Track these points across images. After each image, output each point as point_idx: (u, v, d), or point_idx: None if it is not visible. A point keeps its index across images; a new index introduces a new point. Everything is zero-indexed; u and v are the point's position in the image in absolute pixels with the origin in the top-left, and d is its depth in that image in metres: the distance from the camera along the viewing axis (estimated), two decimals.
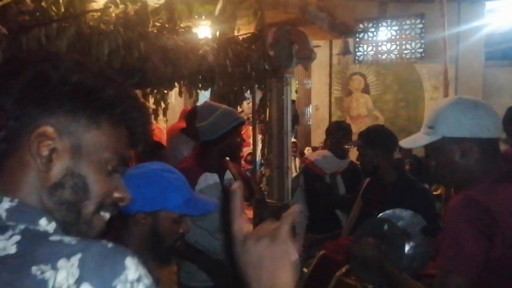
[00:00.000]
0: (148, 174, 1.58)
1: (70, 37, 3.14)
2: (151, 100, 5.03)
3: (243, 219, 0.84)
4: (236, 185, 0.87)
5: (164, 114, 5.14)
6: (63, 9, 3.42)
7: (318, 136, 9.40)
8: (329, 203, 4.12)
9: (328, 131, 4.62)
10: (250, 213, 3.03)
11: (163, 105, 4.83)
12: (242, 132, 3.03)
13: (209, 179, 2.76)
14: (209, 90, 4.22)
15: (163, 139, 5.84)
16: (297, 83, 10.89)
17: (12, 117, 0.75)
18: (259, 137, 5.91)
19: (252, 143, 5.62)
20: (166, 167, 1.67)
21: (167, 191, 1.57)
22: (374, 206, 3.02)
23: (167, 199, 1.57)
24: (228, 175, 2.91)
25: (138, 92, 6.14)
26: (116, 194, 0.83)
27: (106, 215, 0.82)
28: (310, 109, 11.33)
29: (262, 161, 6.22)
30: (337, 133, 4.23)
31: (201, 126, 2.85)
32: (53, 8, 3.54)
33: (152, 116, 6.95)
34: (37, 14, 2.96)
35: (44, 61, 0.79)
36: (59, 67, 0.78)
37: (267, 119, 5.17)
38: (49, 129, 0.76)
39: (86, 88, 0.79)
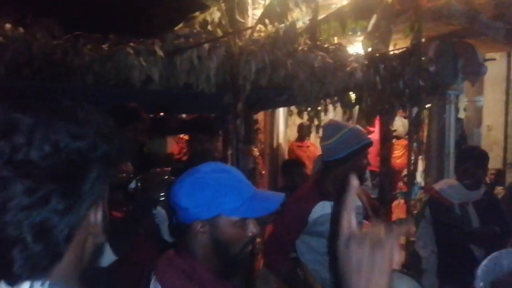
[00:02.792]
0: (198, 179, 1.39)
1: (220, 57, 3.33)
2: (305, 116, 5.07)
3: (352, 216, 0.82)
4: (353, 179, 0.83)
5: (317, 131, 5.09)
6: (214, 30, 3.67)
7: (490, 161, 8.35)
8: (461, 237, 3.52)
9: (458, 158, 3.99)
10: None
11: (316, 122, 4.81)
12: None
13: (326, 207, 2.60)
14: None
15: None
16: (466, 100, 9.85)
17: None
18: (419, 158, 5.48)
19: (407, 163, 5.23)
20: (220, 167, 1.46)
21: (221, 194, 1.36)
22: None
23: (222, 202, 1.36)
24: (355, 202, 2.69)
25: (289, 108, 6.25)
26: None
27: None
28: (481, 130, 10.15)
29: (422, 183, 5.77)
30: (468, 162, 3.53)
31: (325, 144, 2.68)
32: (208, 29, 3.84)
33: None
34: (190, 38, 3.20)
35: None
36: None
37: (425, 139, 4.75)
38: None
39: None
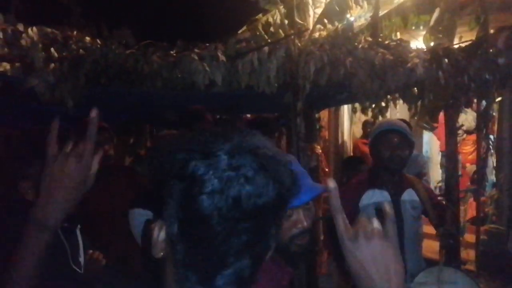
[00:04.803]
0: None
1: (279, 58, 3.44)
2: (369, 113, 5.06)
3: (342, 216, 0.88)
4: (330, 182, 0.88)
5: None
6: (276, 32, 3.79)
7: None
8: None
9: None
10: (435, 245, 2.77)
11: (380, 118, 4.80)
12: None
13: (375, 196, 2.62)
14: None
15: None
16: None
17: None
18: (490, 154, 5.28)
19: (477, 160, 5.06)
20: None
21: None
22: None
23: None
24: (410, 196, 2.70)
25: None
26: None
27: None
28: None
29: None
30: None
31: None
32: (270, 30, 3.97)
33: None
34: (251, 41, 3.35)
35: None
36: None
37: (495, 134, 4.58)
38: None
39: None
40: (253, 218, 0.69)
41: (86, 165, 0.99)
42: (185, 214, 0.71)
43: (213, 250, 0.70)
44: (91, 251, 2.04)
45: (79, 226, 1.97)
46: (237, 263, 0.71)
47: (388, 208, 0.89)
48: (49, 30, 3.28)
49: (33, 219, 0.98)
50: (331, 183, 0.86)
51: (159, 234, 0.76)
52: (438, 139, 7.85)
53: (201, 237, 0.70)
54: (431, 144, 8.18)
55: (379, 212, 0.89)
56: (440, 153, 7.84)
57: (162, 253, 0.77)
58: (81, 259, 1.94)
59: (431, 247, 3.57)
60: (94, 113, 1.00)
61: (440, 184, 6.48)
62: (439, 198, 3.42)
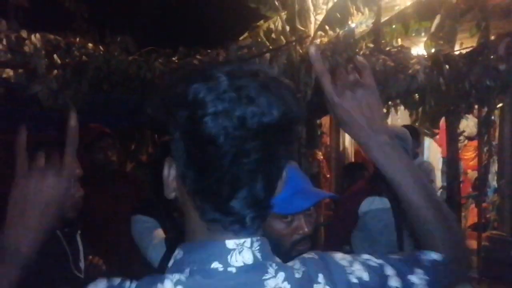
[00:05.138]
0: None
1: (281, 65, 3.46)
2: None
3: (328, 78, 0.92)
4: (313, 48, 0.92)
5: None
6: (278, 38, 3.82)
7: None
8: None
9: None
10: None
11: None
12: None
13: (375, 203, 2.63)
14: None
15: None
16: None
17: None
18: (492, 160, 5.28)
19: (478, 166, 5.05)
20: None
21: None
22: None
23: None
24: None
25: None
26: None
27: None
28: None
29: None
30: None
31: None
32: (272, 37, 4.00)
33: None
34: (253, 48, 3.37)
35: None
36: None
37: (496, 140, 4.59)
38: None
39: None
40: (259, 136, 0.69)
41: (66, 181, 0.90)
42: (192, 140, 0.70)
43: (224, 172, 0.69)
44: (90, 256, 2.05)
45: (79, 231, 1.98)
46: (250, 184, 0.71)
47: (361, 59, 0.97)
48: (52, 36, 3.31)
49: (4, 244, 0.86)
50: (312, 48, 0.90)
51: (170, 172, 0.76)
52: (439, 145, 7.85)
53: (210, 160, 0.69)
54: (430, 150, 8.17)
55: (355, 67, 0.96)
56: (441, 159, 7.85)
57: (174, 193, 0.76)
58: (82, 264, 1.95)
59: None
60: (73, 121, 0.92)
61: (441, 190, 6.48)
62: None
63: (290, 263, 0.80)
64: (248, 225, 0.73)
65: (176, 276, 0.71)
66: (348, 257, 0.85)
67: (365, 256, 0.86)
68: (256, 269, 0.73)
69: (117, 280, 0.76)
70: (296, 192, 1.40)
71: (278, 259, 0.78)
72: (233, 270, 0.72)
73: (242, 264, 0.72)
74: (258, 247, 0.75)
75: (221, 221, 0.73)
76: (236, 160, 0.69)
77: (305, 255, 0.84)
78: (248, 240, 0.74)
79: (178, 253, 0.75)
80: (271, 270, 0.74)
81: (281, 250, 1.41)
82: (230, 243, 0.73)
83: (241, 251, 0.73)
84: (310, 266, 0.80)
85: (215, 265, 0.72)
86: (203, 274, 0.71)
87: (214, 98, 0.67)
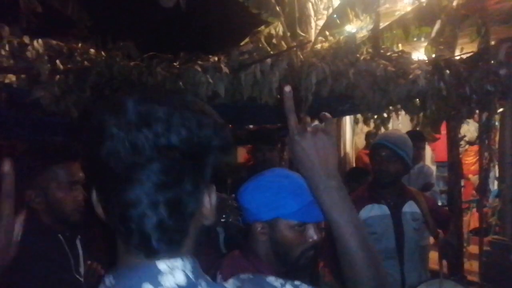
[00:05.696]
0: (263, 182, 1.47)
1: (282, 70, 3.47)
2: (371, 124, 5.08)
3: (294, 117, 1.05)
4: (287, 88, 1.05)
5: None
6: (278, 44, 3.83)
7: None
8: None
9: None
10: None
11: (383, 129, 4.81)
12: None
13: (374, 210, 2.64)
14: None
15: None
16: None
17: None
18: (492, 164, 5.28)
19: (479, 171, 5.05)
20: (284, 173, 1.50)
21: (281, 198, 1.42)
22: None
23: (281, 206, 1.41)
24: (411, 208, 2.70)
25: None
26: None
27: None
28: None
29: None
30: None
31: None
32: (273, 42, 4.01)
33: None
34: (254, 53, 3.38)
35: None
36: None
37: (497, 145, 4.59)
38: None
39: None
40: (155, 161, 0.69)
41: (6, 231, 0.88)
42: (91, 163, 0.73)
43: (120, 195, 0.70)
44: (89, 262, 2.05)
45: (79, 236, 1.98)
46: (152, 208, 0.71)
47: (327, 115, 1.09)
48: (54, 42, 3.33)
49: None
50: (287, 88, 1.03)
51: (93, 196, 0.78)
52: (433, 150, 7.86)
53: (106, 183, 0.71)
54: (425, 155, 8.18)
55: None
56: (436, 163, 7.85)
57: (104, 216, 0.77)
58: (81, 269, 1.95)
59: (435, 259, 3.57)
60: (7, 167, 0.87)
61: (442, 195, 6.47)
62: (445, 208, 3.42)
63: (225, 283, 0.81)
64: (156, 249, 0.73)
65: None
66: (280, 280, 0.85)
67: (296, 282, 0.87)
68: None
69: None
70: (311, 202, 1.38)
71: (209, 278, 0.78)
72: None
73: (174, 285, 0.72)
74: (191, 268, 0.75)
75: (129, 243, 0.73)
76: (130, 183, 0.69)
77: (241, 275, 0.85)
78: (179, 261, 0.74)
79: (108, 280, 0.75)
80: None
81: (290, 258, 1.46)
82: (161, 264, 0.73)
83: (172, 272, 0.73)
84: (247, 285, 0.82)
85: (146, 286, 0.71)
86: None
87: (114, 124, 0.69)
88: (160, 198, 0.71)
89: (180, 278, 0.73)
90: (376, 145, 2.76)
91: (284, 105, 1.01)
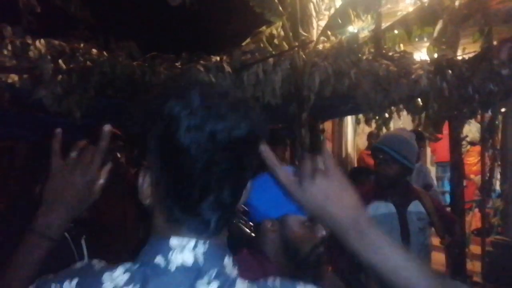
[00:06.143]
0: (268, 179, 1.46)
1: (284, 70, 3.48)
2: (373, 124, 5.08)
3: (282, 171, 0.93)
4: (262, 147, 0.91)
5: None
6: (280, 44, 3.83)
7: None
8: None
9: None
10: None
11: (384, 130, 4.81)
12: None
13: (380, 209, 2.63)
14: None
15: None
16: None
17: None
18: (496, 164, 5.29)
19: (481, 171, 5.05)
20: (290, 169, 1.50)
21: None
22: None
23: (289, 201, 1.41)
24: (416, 207, 2.70)
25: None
26: None
27: None
28: None
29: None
30: None
31: None
32: (274, 42, 4.01)
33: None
34: (256, 53, 3.38)
35: None
36: None
37: (499, 145, 4.59)
38: None
39: None
40: (228, 149, 0.76)
41: (92, 177, 1.01)
42: (167, 150, 0.77)
43: (195, 178, 0.76)
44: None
45: (84, 236, 1.98)
46: (218, 190, 0.77)
47: (322, 145, 1.00)
48: (56, 42, 3.32)
49: (35, 227, 0.99)
50: (262, 147, 0.90)
51: (144, 180, 0.82)
52: (433, 151, 7.85)
53: (183, 168, 0.76)
54: (421, 156, 8.17)
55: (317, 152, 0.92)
56: (435, 164, 7.85)
57: (148, 200, 0.82)
58: None
59: (438, 259, 3.56)
60: (107, 127, 1.03)
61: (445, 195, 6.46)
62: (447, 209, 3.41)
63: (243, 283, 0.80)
64: (212, 227, 0.78)
65: (128, 265, 0.77)
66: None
67: None
68: (193, 272, 0.75)
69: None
70: None
71: (227, 268, 0.78)
72: (172, 268, 0.75)
73: (180, 263, 0.75)
74: (203, 250, 0.77)
75: (187, 222, 0.78)
76: (206, 168, 0.76)
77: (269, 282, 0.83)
78: (193, 241, 0.77)
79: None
80: (206, 277, 0.75)
81: (300, 255, 1.44)
82: (173, 241, 0.77)
83: (182, 251, 0.76)
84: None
85: (159, 259, 0.76)
86: (148, 267, 0.76)
87: (187, 114, 0.75)
88: (226, 183, 0.78)
89: (188, 258, 0.76)
90: (374, 148, 2.80)
91: (267, 163, 0.90)
